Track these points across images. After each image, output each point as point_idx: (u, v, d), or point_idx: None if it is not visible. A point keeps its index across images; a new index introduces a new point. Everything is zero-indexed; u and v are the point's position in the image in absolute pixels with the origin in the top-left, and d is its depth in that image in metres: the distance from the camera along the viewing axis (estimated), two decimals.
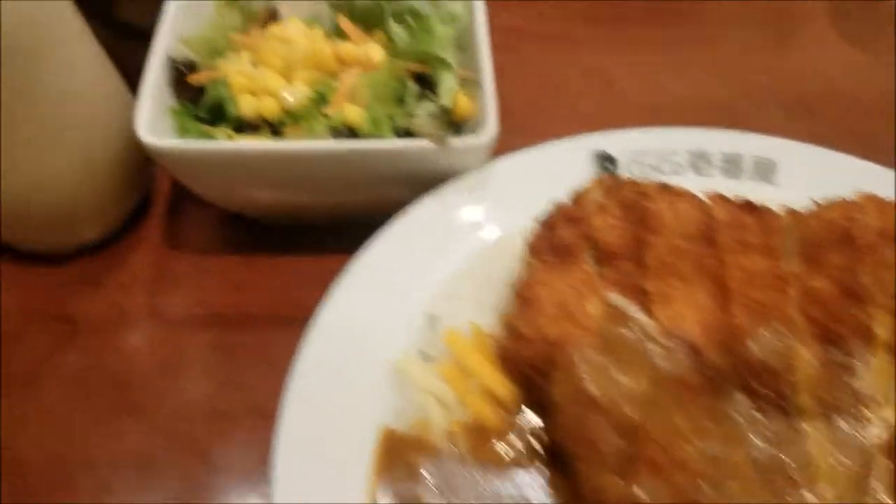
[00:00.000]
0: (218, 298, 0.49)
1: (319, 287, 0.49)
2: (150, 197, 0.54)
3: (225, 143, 0.45)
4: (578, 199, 0.40)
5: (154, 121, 0.45)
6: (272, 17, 0.57)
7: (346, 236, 0.51)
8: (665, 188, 0.41)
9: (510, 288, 0.40)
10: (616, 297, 0.37)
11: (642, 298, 0.37)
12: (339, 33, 0.55)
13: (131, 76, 0.50)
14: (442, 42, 0.51)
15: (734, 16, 0.71)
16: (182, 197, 0.53)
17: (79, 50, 0.44)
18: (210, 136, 0.46)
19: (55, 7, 0.42)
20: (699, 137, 0.50)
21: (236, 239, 0.52)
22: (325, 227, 0.52)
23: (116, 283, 0.49)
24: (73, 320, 0.48)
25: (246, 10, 0.55)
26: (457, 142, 0.44)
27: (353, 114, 0.47)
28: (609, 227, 0.38)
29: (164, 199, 0.54)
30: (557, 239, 0.38)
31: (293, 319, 0.45)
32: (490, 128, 0.45)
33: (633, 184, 0.41)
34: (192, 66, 0.50)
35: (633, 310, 0.37)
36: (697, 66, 0.67)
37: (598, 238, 0.38)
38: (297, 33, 0.53)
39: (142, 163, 0.50)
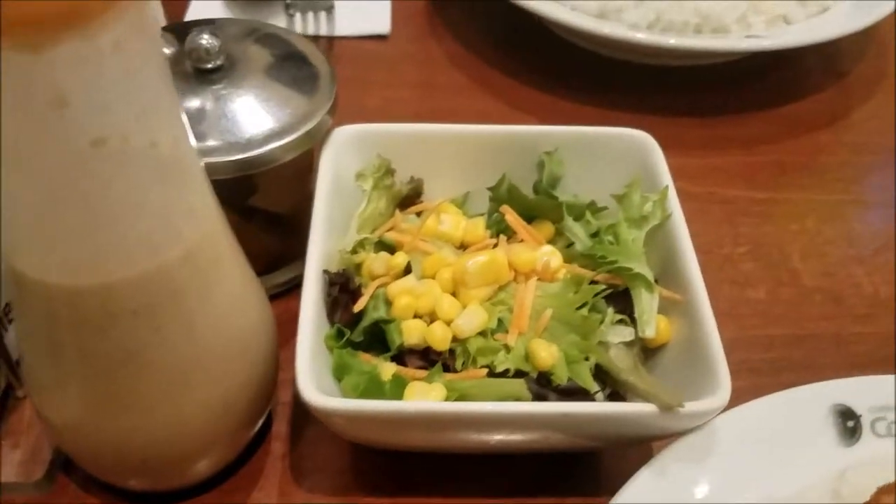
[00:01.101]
0: None
1: None
2: (272, 413, 0.45)
3: (407, 404, 0.36)
4: None
5: (314, 369, 0.36)
6: (417, 195, 0.49)
7: (505, 468, 0.43)
8: None
9: None
10: None
11: None
12: (497, 222, 0.47)
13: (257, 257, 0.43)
14: (632, 251, 0.43)
15: None
16: (307, 417, 0.45)
17: (236, 289, 0.36)
18: (375, 376, 0.38)
19: (218, 244, 0.34)
20: None
21: (374, 474, 0.43)
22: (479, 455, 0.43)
23: None
24: None
25: (394, 192, 0.47)
26: (690, 406, 0.36)
27: (545, 353, 0.38)
28: None
29: (286, 417, 0.45)
30: None
31: None
32: (724, 387, 0.37)
33: None
34: (346, 280, 0.41)
35: None
36: (873, 243, 0.59)
37: None
38: (458, 230, 0.45)
39: (274, 385, 0.41)
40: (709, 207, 0.60)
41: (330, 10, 0.74)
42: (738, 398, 0.47)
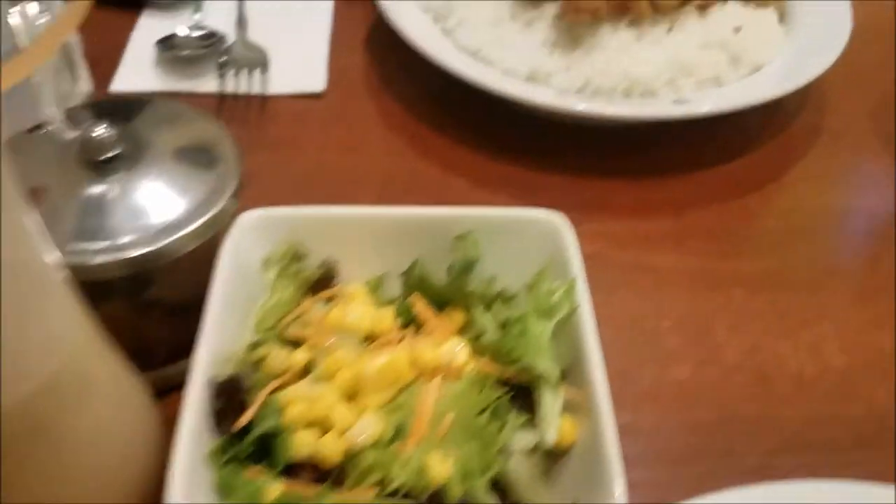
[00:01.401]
0: None
1: None
2: None
3: None
4: None
5: (190, 496, 0.35)
6: (330, 277, 0.48)
7: None
8: None
9: None
10: None
11: None
12: (409, 309, 0.46)
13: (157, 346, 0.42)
14: (540, 345, 0.42)
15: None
16: None
17: (110, 409, 0.35)
18: (257, 499, 0.36)
19: (86, 365, 0.33)
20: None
21: None
22: None
23: None
24: None
25: (302, 277, 0.46)
26: None
27: (438, 469, 0.37)
28: None
29: None
30: None
31: None
32: (618, 496, 0.36)
33: None
34: (234, 389, 0.40)
35: None
36: (800, 316, 0.58)
37: None
38: (365, 321, 0.43)
39: (160, 492, 0.40)
40: (636, 277, 0.60)
41: (264, 68, 0.73)
42: (657, 490, 0.46)
